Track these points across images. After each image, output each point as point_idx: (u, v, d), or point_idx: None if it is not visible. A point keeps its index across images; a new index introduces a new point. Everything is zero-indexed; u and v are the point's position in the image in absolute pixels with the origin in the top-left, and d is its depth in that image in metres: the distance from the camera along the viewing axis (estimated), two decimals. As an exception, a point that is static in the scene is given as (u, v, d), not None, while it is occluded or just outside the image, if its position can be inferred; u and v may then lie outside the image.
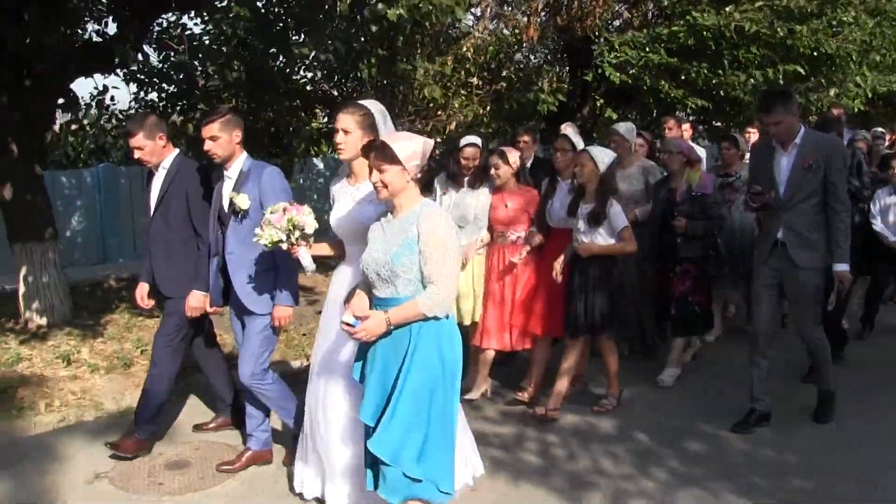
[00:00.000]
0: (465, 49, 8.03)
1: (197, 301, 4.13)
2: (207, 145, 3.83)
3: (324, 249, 3.65)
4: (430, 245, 2.82)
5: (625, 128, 5.50)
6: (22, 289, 6.58)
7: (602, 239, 4.58)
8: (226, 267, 3.96)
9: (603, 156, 4.60)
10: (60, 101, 6.76)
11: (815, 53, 8.35)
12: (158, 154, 4.19)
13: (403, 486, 2.87)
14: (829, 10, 8.00)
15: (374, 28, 6.02)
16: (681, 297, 5.21)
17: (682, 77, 8.73)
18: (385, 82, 8.30)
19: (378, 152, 2.88)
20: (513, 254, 4.92)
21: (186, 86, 7.80)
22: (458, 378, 3.01)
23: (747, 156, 6.11)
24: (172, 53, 7.59)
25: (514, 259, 4.89)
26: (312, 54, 7.18)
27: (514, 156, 4.98)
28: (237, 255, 3.88)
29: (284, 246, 3.40)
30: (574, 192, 4.76)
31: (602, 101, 9.49)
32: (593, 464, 4.19)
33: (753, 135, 7.41)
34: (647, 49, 8.70)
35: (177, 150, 4.27)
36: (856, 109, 9.93)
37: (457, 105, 8.60)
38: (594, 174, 4.56)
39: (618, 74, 8.83)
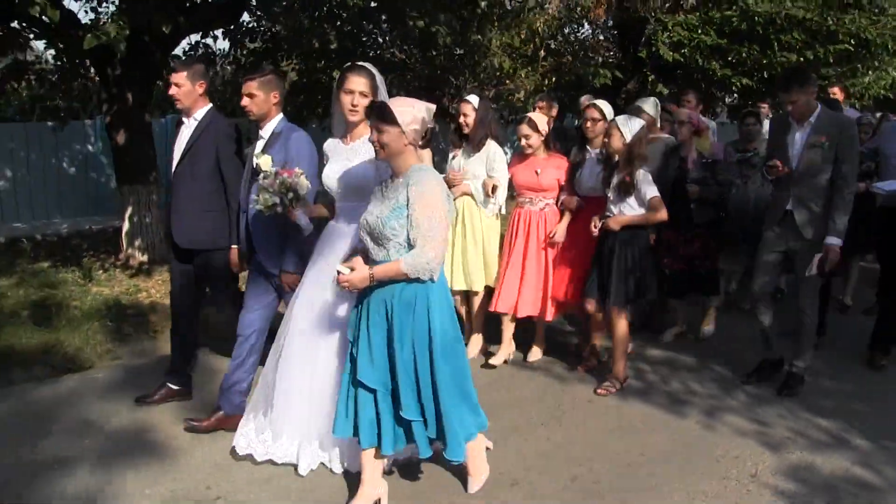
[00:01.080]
0: (537, 24, 8.68)
1: (235, 255, 4.14)
2: (245, 101, 3.89)
3: (320, 210, 3.73)
4: (417, 209, 2.86)
5: (650, 103, 5.47)
6: (126, 227, 7.19)
7: (630, 209, 4.54)
8: (248, 226, 4.01)
9: (630, 125, 4.56)
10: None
11: (852, 41, 9.07)
12: (193, 99, 4.11)
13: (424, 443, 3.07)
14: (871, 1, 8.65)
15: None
16: (688, 258, 5.28)
17: (730, 58, 9.43)
18: (459, 51, 9.02)
19: (378, 113, 2.93)
20: (540, 219, 4.93)
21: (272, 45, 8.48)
22: (454, 344, 3.08)
23: (764, 132, 6.22)
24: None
25: (553, 237, 4.87)
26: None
27: (542, 123, 4.94)
28: (256, 215, 3.88)
29: (279, 209, 3.47)
30: (602, 162, 4.79)
31: (653, 76, 10.16)
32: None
33: (764, 111, 7.68)
34: (700, 31, 9.37)
35: (210, 105, 4.23)
36: (881, 95, 10.62)
37: (523, 75, 9.33)
38: (622, 143, 4.53)
39: (671, 53, 9.53)
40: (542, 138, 4.89)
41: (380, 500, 3.18)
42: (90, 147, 9.96)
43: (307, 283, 3.60)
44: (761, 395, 4.42)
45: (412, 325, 2.96)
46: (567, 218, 4.90)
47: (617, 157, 4.53)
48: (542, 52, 9.23)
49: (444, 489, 3.32)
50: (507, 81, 9.29)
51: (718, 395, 4.45)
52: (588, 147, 4.95)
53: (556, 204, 4.94)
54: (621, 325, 4.56)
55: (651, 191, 4.46)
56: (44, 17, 4.40)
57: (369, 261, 3.02)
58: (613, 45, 10.73)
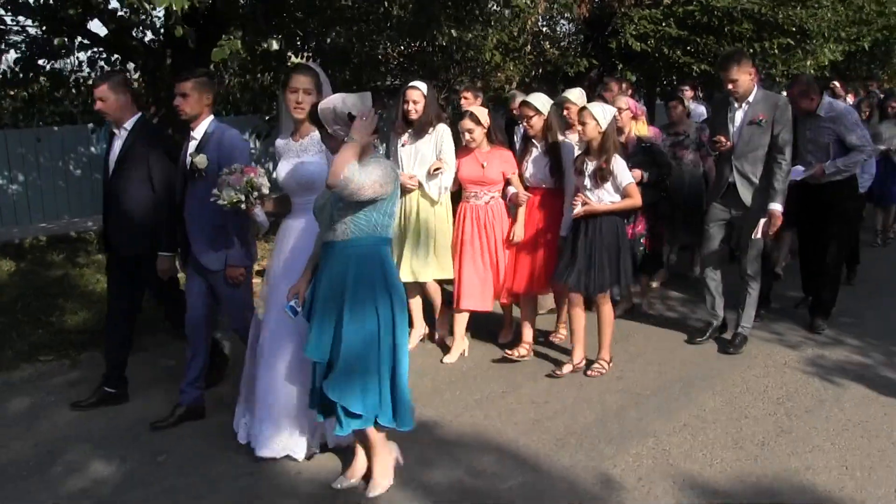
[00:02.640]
0: (529, 22, 9.82)
1: (164, 263, 4.22)
2: (177, 101, 3.98)
3: (273, 207, 3.84)
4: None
5: (576, 93, 5.53)
6: None
7: (608, 195, 4.63)
8: (184, 226, 4.10)
9: (604, 113, 4.65)
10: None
11: (794, 29, 10.48)
12: (119, 110, 4.19)
13: (349, 420, 3.18)
14: (812, -3, 10.12)
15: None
16: (632, 238, 5.44)
17: (689, 48, 10.73)
18: (455, 47, 10.07)
19: (312, 118, 3.28)
20: (486, 213, 4.98)
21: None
22: (398, 325, 3.22)
23: (699, 114, 6.82)
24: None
25: (513, 239, 4.98)
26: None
27: (484, 115, 4.98)
28: (195, 214, 3.99)
29: (243, 206, 3.58)
30: (547, 154, 4.92)
31: (621, 65, 11.40)
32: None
33: (688, 93, 8.30)
34: (664, 23, 10.64)
35: (140, 113, 4.32)
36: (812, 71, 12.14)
37: (511, 67, 10.44)
38: (597, 131, 4.61)
39: (638, 43, 10.77)
40: (485, 131, 4.95)
41: (397, 459, 3.45)
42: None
43: (274, 280, 3.72)
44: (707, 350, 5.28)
45: (366, 304, 3.12)
46: (522, 216, 4.98)
47: (592, 144, 4.66)
48: (528, 46, 10.37)
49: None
50: (499, 74, 10.40)
51: (689, 356, 5.06)
52: (533, 140, 5.04)
53: (502, 197, 5.03)
54: (607, 309, 4.75)
55: (626, 178, 4.62)
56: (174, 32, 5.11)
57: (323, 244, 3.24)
58: (585, 36, 11.90)
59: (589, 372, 4.70)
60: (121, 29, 7.62)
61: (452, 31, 8.87)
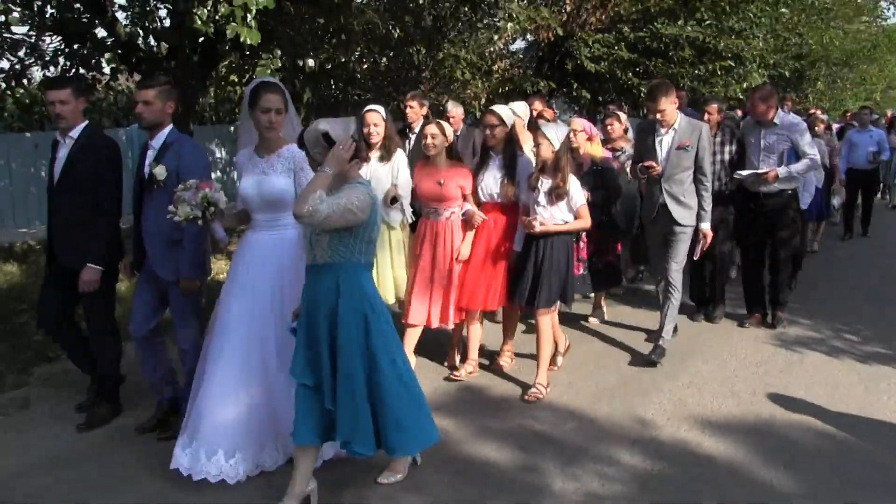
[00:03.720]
0: (501, 43, 10.84)
1: (90, 275, 4.14)
2: (139, 108, 3.98)
3: (230, 221, 3.87)
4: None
5: (520, 106, 5.65)
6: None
7: (561, 214, 4.71)
8: (140, 235, 4.11)
9: (557, 133, 4.75)
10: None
11: (730, 56, 11.87)
12: (75, 116, 4.18)
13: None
14: (748, 28, 11.48)
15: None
16: (588, 257, 5.73)
17: (639, 69, 11.96)
18: (429, 63, 11.00)
19: (299, 144, 3.33)
20: (445, 229, 4.96)
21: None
22: (394, 352, 3.33)
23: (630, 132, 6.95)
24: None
25: (458, 258, 4.95)
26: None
27: (449, 130, 5.02)
28: (151, 223, 4.01)
29: (200, 222, 3.61)
30: (504, 168, 4.92)
31: (576, 84, 12.57)
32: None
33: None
34: (616, 47, 11.85)
35: (87, 121, 4.27)
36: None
37: (479, 85, 11.43)
38: (550, 151, 4.71)
39: (593, 65, 11.93)
40: (447, 144, 4.96)
41: (310, 497, 3.38)
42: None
43: (233, 294, 3.69)
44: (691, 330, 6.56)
45: (348, 328, 3.20)
46: (471, 234, 4.97)
47: (547, 163, 4.74)
48: (496, 65, 11.40)
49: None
50: (467, 90, 11.38)
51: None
52: (491, 152, 5.02)
53: (460, 214, 4.99)
54: (547, 324, 4.79)
55: (580, 199, 4.74)
56: (248, 41, 5.73)
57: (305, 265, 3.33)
58: (541, 57, 13.00)
59: (526, 397, 4.73)
60: (126, 39, 8.21)
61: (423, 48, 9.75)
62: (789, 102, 11.95)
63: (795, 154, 6.01)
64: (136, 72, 8.95)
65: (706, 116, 6.28)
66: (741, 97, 13.63)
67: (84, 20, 7.89)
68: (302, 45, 7.35)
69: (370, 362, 3.24)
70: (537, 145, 4.78)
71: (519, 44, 13.30)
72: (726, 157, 6.25)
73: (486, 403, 4.64)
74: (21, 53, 8.37)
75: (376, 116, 5.09)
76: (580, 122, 6.20)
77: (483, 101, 11.25)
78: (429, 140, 4.89)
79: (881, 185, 13.26)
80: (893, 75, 27.35)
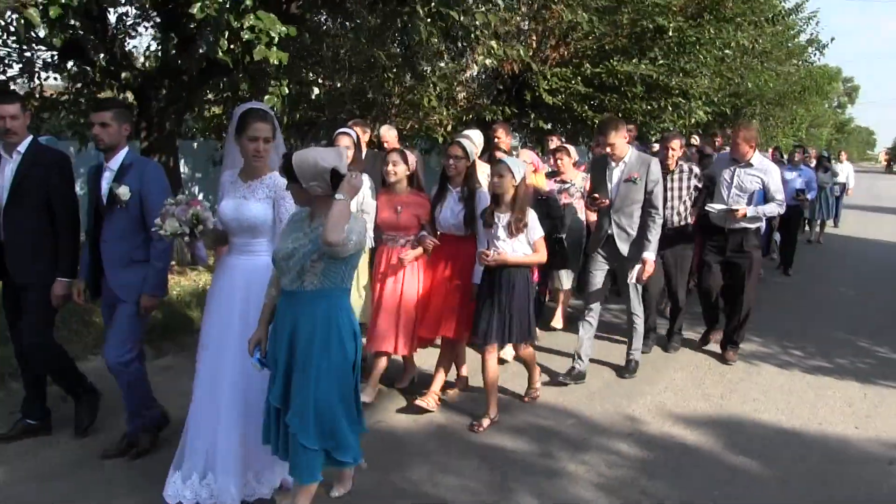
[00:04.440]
0: (467, 75, 11.55)
1: (62, 288, 4.18)
2: (96, 130, 3.99)
3: (210, 241, 3.87)
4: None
5: (476, 134, 5.81)
6: None
7: (521, 246, 4.75)
8: (98, 256, 4.09)
9: (519, 167, 4.78)
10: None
11: (677, 92, 12.89)
12: (24, 131, 4.15)
13: (320, 465, 3.29)
14: (696, 68, 12.53)
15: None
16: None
17: (594, 102, 12.85)
18: (397, 90, 11.64)
19: (286, 173, 3.21)
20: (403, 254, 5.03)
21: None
22: (357, 368, 3.38)
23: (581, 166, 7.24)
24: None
25: (402, 256, 5.01)
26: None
27: (412, 159, 5.09)
28: (111, 244, 4.02)
29: (186, 238, 3.57)
30: (461, 201, 4.97)
31: (533, 114, 13.37)
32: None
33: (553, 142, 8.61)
34: (573, 81, 12.71)
35: (31, 136, 4.23)
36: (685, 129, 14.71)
37: (444, 112, 12.11)
38: (511, 185, 4.73)
39: (551, 98, 12.76)
40: (408, 173, 5.06)
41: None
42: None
43: (212, 318, 3.72)
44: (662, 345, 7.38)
45: (331, 349, 3.23)
46: (419, 250, 5.00)
47: (504, 197, 4.74)
48: (461, 94, 12.11)
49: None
50: (433, 117, 12.05)
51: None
52: (448, 185, 5.08)
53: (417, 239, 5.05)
54: (494, 362, 4.83)
55: (538, 231, 4.80)
56: (274, 60, 6.17)
57: (282, 290, 3.32)
58: (500, 88, 13.77)
59: (526, 398, 5.16)
60: (116, 58, 8.56)
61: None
62: (720, 139, 13.02)
63: (764, 196, 6.22)
64: (126, 89, 9.30)
65: (669, 152, 6.46)
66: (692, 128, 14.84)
67: (80, 35, 8.21)
68: (307, 73, 7.85)
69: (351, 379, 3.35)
70: (499, 177, 4.73)
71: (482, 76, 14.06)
72: (684, 192, 6.45)
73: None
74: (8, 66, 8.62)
75: (347, 140, 5.23)
76: (529, 154, 6.51)
77: (449, 127, 11.94)
78: (390, 167, 5.02)
79: (805, 220, 14.29)
80: (817, 115, 29.44)
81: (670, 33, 12.10)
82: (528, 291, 4.87)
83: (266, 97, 6.76)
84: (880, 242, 15.69)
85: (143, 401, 4.22)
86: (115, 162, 4.05)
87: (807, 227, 15.21)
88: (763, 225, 6.59)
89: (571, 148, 7.34)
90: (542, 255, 4.86)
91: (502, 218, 4.76)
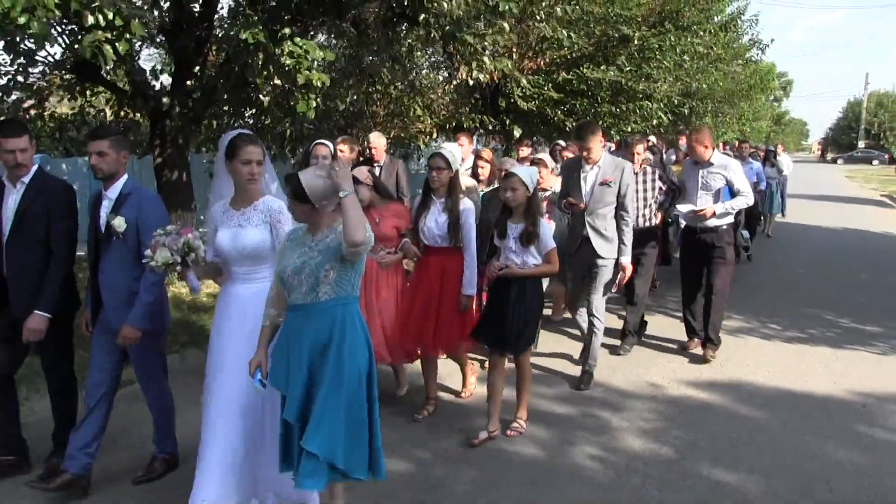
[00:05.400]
0: (451, 85, 12.47)
1: (37, 323, 4.05)
2: (94, 160, 3.93)
3: (204, 272, 3.86)
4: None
5: (454, 146, 5.91)
6: None
7: (533, 258, 4.77)
8: (97, 287, 4.06)
9: (530, 177, 4.78)
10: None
11: (641, 96, 14.02)
12: (31, 163, 4.14)
13: (325, 474, 3.25)
14: (657, 73, 13.68)
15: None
16: None
17: (565, 107, 13.89)
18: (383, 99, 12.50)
19: (294, 193, 3.24)
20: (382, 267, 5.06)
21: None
22: (373, 382, 3.39)
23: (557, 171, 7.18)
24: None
25: (378, 260, 5.05)
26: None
27: (362, 174, 5.07)
28: (108, 275, 3.98)
29: (178, 268, 3.57)
30: (445, 211, 4.99)
31: (509, 120, 14.34)
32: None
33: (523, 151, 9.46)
34: (546, 87, 13.72)
35: (38, 166, 4.23)
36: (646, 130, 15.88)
37: (428, 120, 13.01)
38: (525, 196, 4.74)
39: (525, 104, 13.75)
40: (370, 187, 5.08)
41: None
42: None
43: (221, 348, 3.72)
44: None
45: (345, 357, 3.26)
46: (400, 255, 5.14)
47: (517, 208, 4.78)
48: (443, 103, 13.04)
49: None
50: (418, 123, 12.94)
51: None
52: (432, 195, 5.08)
53: (396, 250, 5.13)
54: (528, 366, 4.96)
55: (550, 242, 4.79)
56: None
57: (290, 307, 3.34)
58: (477, 96, 14.71)
59: (509, 432, 4.95)
60: (133, 79, 9.18)
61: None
62: (683, 139, 14.13)
63: (730, 191, 6.45)
64: (134, 110, 9.90)
65: (635, 157, 6.74)
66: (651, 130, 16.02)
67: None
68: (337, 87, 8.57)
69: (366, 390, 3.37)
70: (512, 191, 4.74)
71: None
72: (649, 194, 6.78)
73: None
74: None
75: (325, 150, 5.39)
76: (510, 162, 6.78)
77: (434, 135, 12.84)
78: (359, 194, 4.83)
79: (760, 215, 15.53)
80: (758, 109, 31.24)
81: (635, 42, 13.22)
82: (539, 302, 4.99)
83: (298, 105, 7.36)
84: (822, 228, 17.32)
85: (170, 426, 4.32)
86: (114, 191, 4.01)
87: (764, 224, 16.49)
88: (731, 220, 6.70)
89: (546, 157, 7.57)
90: (553, 266, 4.88)
91: (515, 228, 4.83)
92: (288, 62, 6.85)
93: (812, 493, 4.23)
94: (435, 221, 5.02)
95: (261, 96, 7.57)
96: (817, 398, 5.75)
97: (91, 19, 5.89)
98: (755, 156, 15.15)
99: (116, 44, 6.14)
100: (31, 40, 5.99)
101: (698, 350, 6.80)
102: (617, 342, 7.01)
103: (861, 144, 70.50)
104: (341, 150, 6.58)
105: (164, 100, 9.29)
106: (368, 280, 4.99)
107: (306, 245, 3.31)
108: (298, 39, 6.99)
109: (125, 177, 4.05)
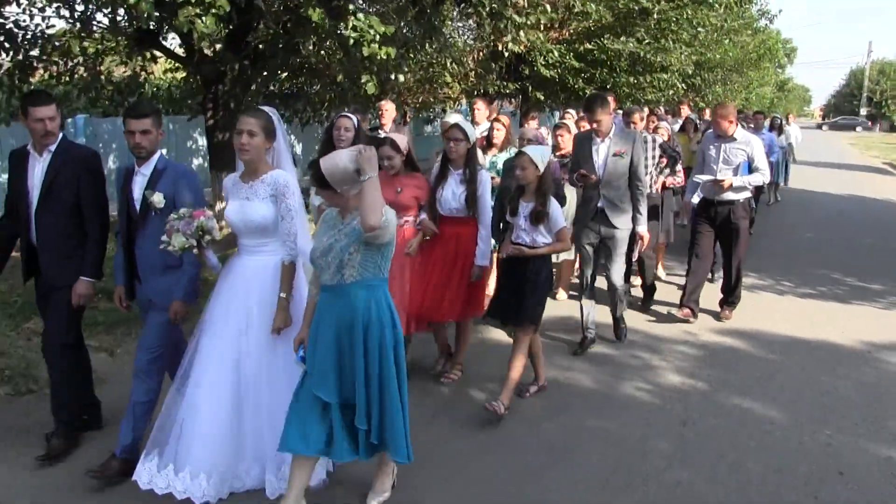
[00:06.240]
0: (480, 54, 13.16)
1: (85, 288, 4.15)
2: (138, 138, 3.88)
3: (220, 248, 3.90)
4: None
5: (457, 116, 5.95)
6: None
7: (542, 237, 4.87)
8: (132, 262, 4.08)
9: (541, 155, 4.84)
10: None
11: (658, 68, 14.71)
12: (58, 131, 4.14)
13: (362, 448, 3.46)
14: (673, 45, 14.37)
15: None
16: None
17: (585, 76, 14.57)
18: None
19: (316, 180, 3.35)
20: (402, 239, 5.07)
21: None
22: (402, 362, 3.51)
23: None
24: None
25: (407, 251, 5.14)
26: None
27: (403, 142, 5.13)
28: (145, 250, 3.96)
29: (195, 251, 3.64)
30: (463, 183, 5.12)
31: (531, 87, 15.03)
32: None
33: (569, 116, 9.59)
34: (567, 57, 14.39)
35: (62, 134, 4.21)
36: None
37: (457, 86, 13.69)
38: (535, 175, 4.82)
39: (548, 71, 14.42)
40: (403, 158, 5.12)
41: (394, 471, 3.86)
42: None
43: (214, 316, 3.78)
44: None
45: (376, 341, 3.38)
46: (420, 235, 5.21)
47: (528, 186, 4.89)
48: (471, 72, 13.73)
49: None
50: (447, 89, 13.62)
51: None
52: (450, 167, 5.21)
53: (415, 223, 5.23)
54: (526, 344, 4.97)
55: (560, 221, 4.88)
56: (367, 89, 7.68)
57: (322, 286, 3.45)
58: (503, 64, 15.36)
59: (526, 394, 5.24)
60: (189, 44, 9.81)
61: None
62: (685, 106, 14.77)
63: (749, 167, 6.77)
64: (190, 75, 10.50)
65: (632, 126, 7.03)
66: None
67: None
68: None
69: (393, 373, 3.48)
70: (522, 170, 4.84)
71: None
72: (649, 162, 6.95)
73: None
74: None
75: (348, 122, 5.51)
76: (531, 132, 6.91)
77: (463, 100, 13.52)
78: (386, 163, 5.02)
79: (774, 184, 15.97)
80: (764, 76, 31.88)
81: (654, 15, 13.87)
82: (547, 280, 5.08)
83: (368, 84, 8.08)
84: (828, 194, 18.17)
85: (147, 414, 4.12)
86: (148, 167, 4.00)
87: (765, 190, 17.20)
88: (749, 194, 6.94)
89: (571, 123, 7.84)
90: (564, 244, 5.03)
91: (526, 207, 4.94)
92: (352, 35, 7.51)
93: (826, 420, 5.07)
94: (452, 192, 5.19)
95: (321, 66, 8.30)
96: (828, 345, 6.61)
97: (185, -5, 6.58)
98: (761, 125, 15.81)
99: (204, 18, 6.85)
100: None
101: (690, 318, 6.99)
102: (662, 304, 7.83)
103: (863, 112, 71.45)
104: (385, 109, 7.40)
105: (219, 66, 9.96)
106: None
107: (336, 228, 3.44)
108: (361, 15, 7.65)
109: (160, 152, 4.06)
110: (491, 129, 7.04)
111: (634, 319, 7.14)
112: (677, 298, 7.34)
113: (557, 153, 7.14)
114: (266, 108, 3.88)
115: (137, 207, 3.99)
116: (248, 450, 3.78)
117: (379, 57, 7.46)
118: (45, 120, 4.05)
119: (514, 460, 4.40)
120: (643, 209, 5.92)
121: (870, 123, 68.84)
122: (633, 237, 6.04)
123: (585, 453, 4.50)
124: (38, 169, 4.16)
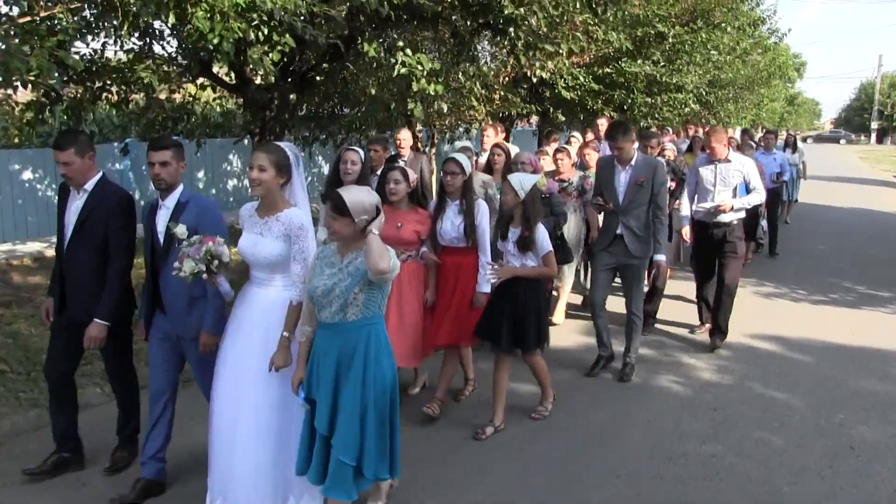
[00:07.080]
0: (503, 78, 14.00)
1: (98, 331, 4.20)
2: (157, 170, 4.00)
3: (234, 274, 3.97)
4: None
5: (465, 148, 6.10)
6: None
7: (532, 262, 4.99)
8: (157, 295, 4.16)
9: (523, 182, 4.92)
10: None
11: (673, 88, 15.52)
12: (84, 174, 4.21)
13: (353, 483, 3.50)
14: (687, 67, 15.19)
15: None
16: None
17: (604, 97, 15.38)
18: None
19: (335, 206, 3.41)
20: (403, 272, 4.95)
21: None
22: (396, 391, 3.62)
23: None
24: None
25: (427, 297, 5.34)
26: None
27: (413, 176, 5.29)
28: (170, 281, 3.99)
29: (205, 276, 3.71)
30: (461, 213, 5.22)
31: (551, 109, 15.84)
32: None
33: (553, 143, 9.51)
34: (586, 79, 15.21)
35: (101, 173, 4.32)
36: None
37: (482, 110, 14.50)
38: (517, 201, 4.92)
39: (568, 94, 15.24)
40: (409, 190, 5.23)
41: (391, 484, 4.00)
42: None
43: (231, 348, 3.83)
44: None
45: (370, 372, 3.48)
46: (433, 278, 5.39)
47: (515, 212, 4.99)
48: (497, 94, 14.54)
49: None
50: (473, 112, 14.43)
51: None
52: (447, 198, 5.34)
53: (416, 257, 5.33)
54: (542, 362, 5.25)
55: (546, 246, 4.98)
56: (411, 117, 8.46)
57: (320, 324, 3.54)
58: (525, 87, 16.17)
59: (534, 415, 5.38)
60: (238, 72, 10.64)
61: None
62: (692, 128, 15.51)
63: (746, 187, 6.93)
64: (248, 104, 11.32)
65: (648, 150, 7.14)
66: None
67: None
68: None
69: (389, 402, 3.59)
70: (504, 194, 5.02)
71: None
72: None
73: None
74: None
75: (355, 156, 5.67)
76: (526, 156, 6.80)
77: (486, 121, 14.33)
78: (391, 185, 5.19)
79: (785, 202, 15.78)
80: (774, 92, 32.75)
81: (670, 39, 14.69)
82: (540, 301, 5.19)
83: (413, 109, 8.88)
84: (838, 208, 18.96)
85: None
86: (171, 200, 4.11)
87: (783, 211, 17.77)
88: (743, 215, 7.06)
89: (571, 148, 8.08)
90: (551, 270, 5.12)
91: (514, 233, 5.08)
92: (402, 71, 8.33)
93: (840, 406, 5.84)
94: (451, 223, 5.33)
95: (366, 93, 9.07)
96: (840, 346, 7.37)
97: (252, 36, 7.42)
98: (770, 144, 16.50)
99: (271, 54, 7.68)
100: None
101: (706, 336, 7.33)
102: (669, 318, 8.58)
103: (874, 125, 72.23)
104: (375, 150, 6.86)
105: (267, 93, 10.80)
106: (396, 285, 5.09)
107: (336, 266, 3.51)
108: (409, 51, 8.46)
109: (181, 186, 4.17)
110: (491, 153, 7.21)
111: (654, 331, 7.92)
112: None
113: (557, 177, 7.49)
114: (283, 144, 3.93)
115: (161, 240, 4.11)
116: (280, 483, 3.84)
117: (429, 92, 8.26)
118: (61, 164, 4.17)
119: (565, 443, 5.16)
120: (663, 238, 6.01)
121: (853, 136, 71.31)
122: (651, 263, 6.26)
123: (630, 435, 5.28)
124: (74, 206, 4.30)
